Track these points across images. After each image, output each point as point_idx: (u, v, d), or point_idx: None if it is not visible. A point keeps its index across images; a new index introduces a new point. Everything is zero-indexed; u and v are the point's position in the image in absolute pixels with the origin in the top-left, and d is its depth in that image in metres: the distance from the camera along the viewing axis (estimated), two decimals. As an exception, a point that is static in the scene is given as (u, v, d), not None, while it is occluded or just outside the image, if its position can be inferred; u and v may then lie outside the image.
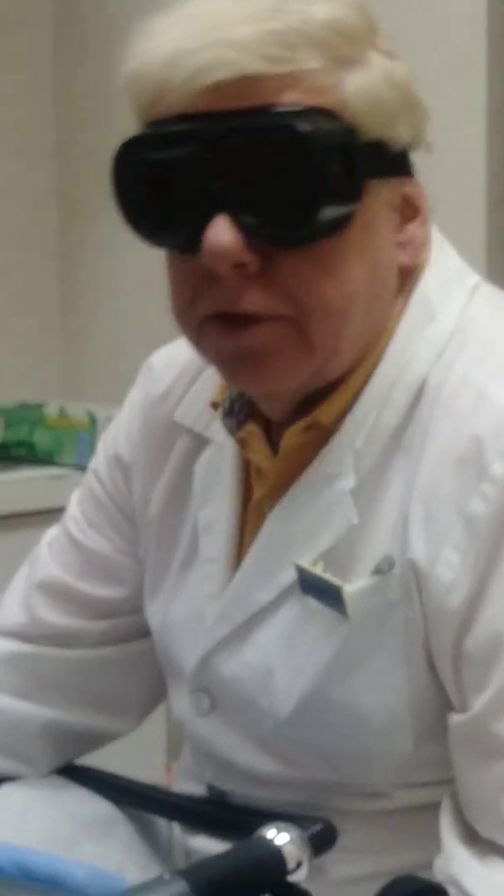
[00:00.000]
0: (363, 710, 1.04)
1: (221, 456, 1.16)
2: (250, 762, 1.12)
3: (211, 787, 1.19)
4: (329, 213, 0.97)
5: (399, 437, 1.03)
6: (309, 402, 1.06)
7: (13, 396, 2.74)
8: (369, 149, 0.99)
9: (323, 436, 1.06)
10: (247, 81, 0.95)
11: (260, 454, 1.11)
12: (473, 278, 1.11)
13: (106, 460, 1.29)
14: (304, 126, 0.96)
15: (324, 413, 1.06)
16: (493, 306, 1.09)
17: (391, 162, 1.02)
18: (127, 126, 0.93)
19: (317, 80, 0.97)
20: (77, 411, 2.58)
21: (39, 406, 2.67)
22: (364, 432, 1.04)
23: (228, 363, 1.04)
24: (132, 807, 1.27)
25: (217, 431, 1.16)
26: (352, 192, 0.99)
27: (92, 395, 2.73)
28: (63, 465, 2.56)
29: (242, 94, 0.96)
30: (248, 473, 1.15)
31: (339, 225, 0.98)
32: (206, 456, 1.17)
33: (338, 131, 0.98)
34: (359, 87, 0.99)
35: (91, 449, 2.51)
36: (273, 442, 1.11)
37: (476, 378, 1.01)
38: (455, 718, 0.99)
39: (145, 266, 2.69)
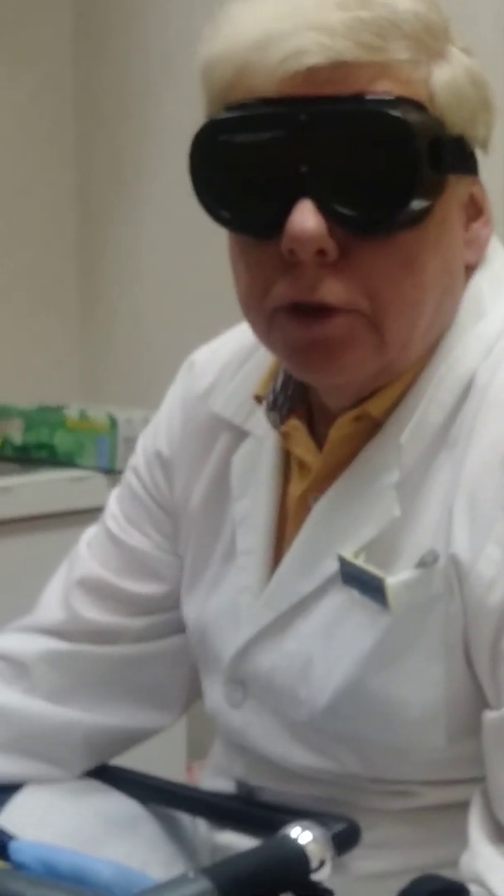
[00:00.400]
0: (400, 703, 1.04)
1: (260, 449, 1.16)
2: (283, 754, 1.12)
3: (240, 784, 1.19)
4: (416, 204, 0.98)
5: (445, 433, 1.04)
6: (366, 392, 1.07)
7: (33, 398, 2.74)
8: (453, 143, 1.00)
9: (371, 429, 1.07)
10: (340, 67, 0.96)
11: (303, 447, 1.11)
12: None
13: (146, 457, 1.29)
14: (397, 115, 0.96)
15: (374, 405, 1.06)
16: None
17: (468, 159, 1.04)
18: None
19: (407, 71, 0.98)
20: (97, 413, 2.58)
21: (59, 408, 2.67)
22: (410, 427, 1.04)
23: (301, 353, 1.03)
24: (157, 804, 1.27)
25: (257, 424, 1.16)
26: (437, 185, 0.99)
27: (112, 397, 2.74)
28: (84, 467, 2.56)
29: (334, 80, 0.96)
30: (287, 466, 1.15)
31: (421, 217, 0.99)
32: (245, 448, 1.18)
33: (428, 123, 0.98)
34: (445, 82, 0.99)
35: (112, 451, 2.52)
36: (316, 436, 1.11)
37: None
38: (489, 715, 0.99)
39: (165, 267, 2.73)
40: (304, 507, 1.11)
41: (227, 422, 1.20)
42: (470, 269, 1.07)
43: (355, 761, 1.08)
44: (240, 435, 1.19)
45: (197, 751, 2.25)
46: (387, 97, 0.97)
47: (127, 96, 2.70)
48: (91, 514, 1.38)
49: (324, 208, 0.97)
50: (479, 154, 1.06)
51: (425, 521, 1.03)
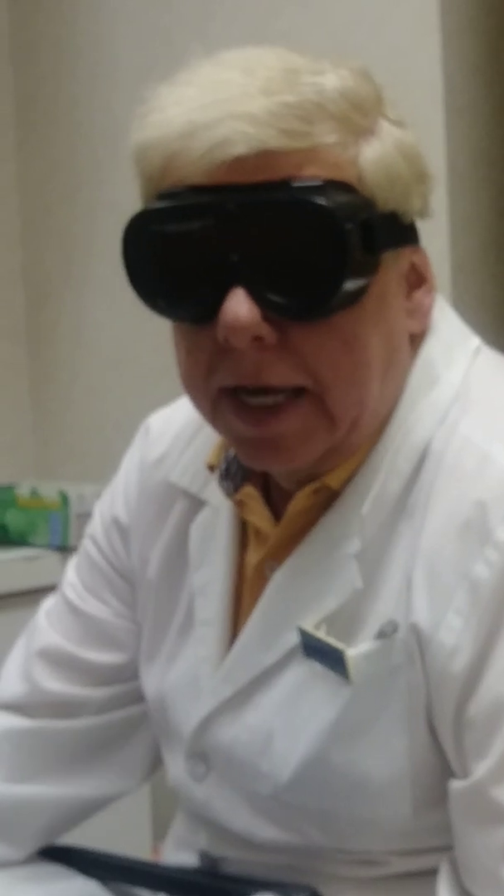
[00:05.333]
0: (363, 775, 1.03)
1: (217, 517, 1.16)
2: (247, 827, 1.11)
3: (203, 855, 1.18)
4: (349, 286, 0.97)
5: (403, 502, 1.04)
6: (321, 469, 1.06)
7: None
8: (385, 220, 1.00)
9: (328, 499, 1.07)
10: (265, 156, 0.95)
11: (259, 516, 1.11)
12: (475, 342, 1.12)
13: (103, 525, 1.28)
14: (324, 200, 0.96)
15: (333, 478, 1.06)
16: (495, 370, 1.10)
17: (404, 232, 1.04)
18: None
19: (334, 153, 0.98)
20: (49, 491, 2.57)
21: (10, 487, 2.66)
22: (370, 497, 1.04)
23: (251, 448, 1.04)
24: (118, 882, 1.25)
25: (213, 493, 1.16)
26: (370, 264, 0.99)
27: (64, 474, 2.73)
28: (36, 545, 2.54)
29: (261, 167, 0.96)
30: (243, 535, 1.15)
31: (357, 297, 0.99)
32: (202, 518, 1.18)
33: (357, 205, 0.98)
34: (375, 159, 0.99)
35: (64, 528, 2.51)
36: (271, 503, 1.11)
37: (479, 442, 1.01)
38: (455, 784, 0.99)
39: (114, 345, 2.73)
40: (261, 576, 1.11)
41: (184, 490, 1.20)
42: (416, 337, 1.08)
43: (319, 834, 1.07)
44: (196, 503, 1.19)
45: (162, 831, 2.21)
46: (314, 183, 0.96)
47: (73, 178, 2.71)
48: (45, 592, 1.37)
49: (256, 296, 0.96)
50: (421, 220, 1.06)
51: (385, 591, 1.03)
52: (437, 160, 2.01)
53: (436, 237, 1.99)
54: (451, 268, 2.05)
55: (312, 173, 0.97)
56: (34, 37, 2.78)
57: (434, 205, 1.07)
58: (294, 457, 1.02)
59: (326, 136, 0.97)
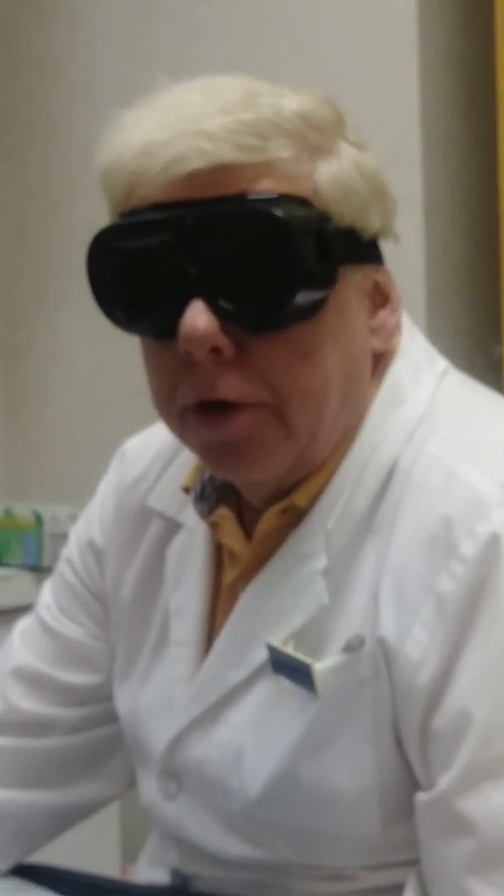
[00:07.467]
0: (332, 790, 1.04)
1: (193, 540, 1.17)
2: (218, 845, 1.12)
3: (175, 872, 1.18)
4: (304, 297, 0.99)
5: (370, 519, 1.05)
6: (286, 485, 1.08)
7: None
8: (342, 235, 1.02)
9: (297, 518, 1.08)
10: (221, 170, 0.97)
11: (232, 537, 1.12)
12: (442, 363, 1.13)
13: (78, 546, 1.29)
14: (278, 212, 0.98)
15: (300, 496, 1.07)
16: (462, 391, 1.12)
17: (363, 249, 1.05)
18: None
19: (289, 168, 0.99)
20: (23, 511, 2.57)
21: (-16, 507, 2.66)
22: (336, 513, 1.05)
23: (211, 454, 1.05)
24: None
25: (189, 516, 1.17)
26: (326, 277, 1.01)
27: (38, 495, 2.73)
28: (10, 565, 2.55)
29: (217, 182, 0.98)
30: (219, 557, 1.16)
31: (314, 310, 1.00)
32: (179, 540, 1.18)
33: (311, 218, 1.00)
34: (330, 176, 1.01)
35: (38, 548, 2.51)
36: (245, 524, 1.12)
37: (446, 459, 1.03)
38: (421, 797, 0.99)
39: (88, 366, 2.73)
40: (234, 596, 1.12)
41: (160, 513, 1.21)
42: (382, 356, 1.09)
43: (289, 850, 1.08)
44: (172, 526, 1.20)
45: (131, 853, 2.21)
46: (268, 195, 0.98)
47: (49, 200, 2.72)
48: (18, 612, 1.37)
49: (214, 307, 0.98)
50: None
51: (352, 606, 1.04)
52: (413, 187, 2.03)
53: (412, 263, 2.00)
54: (426, 294, 2.06)
55: (267, 187, 0.99)
56: (12, 59, 2.79)
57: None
58: (253, 463, 1.03)
59: (281, 151, 0.99)
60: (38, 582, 1.38)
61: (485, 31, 2.09)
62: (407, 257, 2.01)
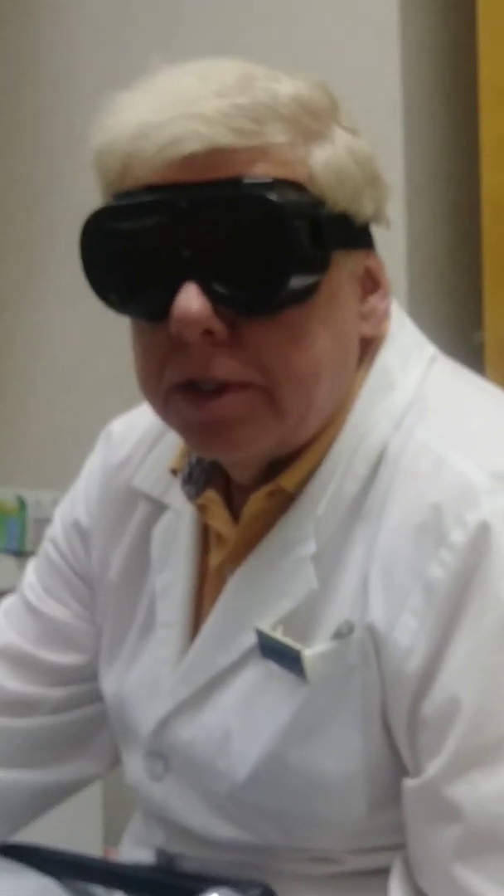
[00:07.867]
0: (319, 775, 1.04)
1: (179, 522, 1.17)
2: (204, 826, 1.12)
3: (160, 852, 1.19)
4: (297, 282, 1.00)
5: (360, 504, 1.05)
6: (273, 467, 1.08)
7: None
8: (336, 220, 1.02)
9: (285, 502, 1.08)
10: (216, 153, 0.98)
11: (220, 520, 1.12)
12: (431, 349, 1.14)
13: (63, 527, 1.29)
14: (273, 196, 0.98)
15: (287, 479, 1.07)
16: (450, 378, 1.13)
17: (356, 235, 1.06)
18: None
19: (284, 153, 1.00)
20: (6, 495, 2.57)
21: (-33, 492, 2.66)
22: (325, 499, 1.05)
23: (196, 432, 1.05)
24: (73, 879, 1.25)
25: (175, 497, 1.17)
26: (319, 261, 1.01)
27: (22, 480, 2.73)
28: (-8, 549, 2.54)
29: (212, 165, 0.98)
30: (206, 539, 1.16)
31: (307, 294, 1.01)
32: (164, 522, 1.19)
33: (306, 202, 1.00)
34: (325, 161, 1.02)
35: (21, 533, 2.51)
36: (233, 507, 1.13)
37: (435, 446, 1.03)
38: (409, 783, 1.00)
39: (72, 353, 2.73)
40: (221, 579, 1.12)
41: (146, 494, 1.21)
42: (372, 342, 1.10)
43: (276, 832, 1.09)
44: (158, 507, 1.20)
45: (113, 835, 2.22)
46: (263, 180, 0.99)
47: (33, 189, 2.71)
48: (0, 596, 1.38)
49: (207, 290, 0.98)
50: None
51: (342, 592, 1.04)
52: (395, 175, 2.04)
53: (393, 250, 2.01)
54: (407, 281, 2.07)
55: (262, 171, 0.99)
56: (-6, 48, 2.78)
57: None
58: (238, 442, 1.03)
59: (277, 135, 1.00)
60: (21, 566, 1.39)
61: (466, 19, 2.09)
62: (388, 244, 2.02)
